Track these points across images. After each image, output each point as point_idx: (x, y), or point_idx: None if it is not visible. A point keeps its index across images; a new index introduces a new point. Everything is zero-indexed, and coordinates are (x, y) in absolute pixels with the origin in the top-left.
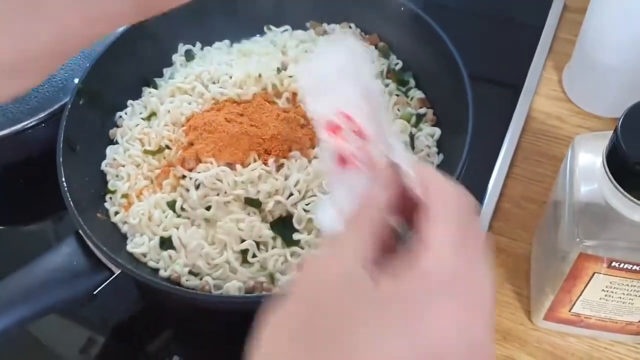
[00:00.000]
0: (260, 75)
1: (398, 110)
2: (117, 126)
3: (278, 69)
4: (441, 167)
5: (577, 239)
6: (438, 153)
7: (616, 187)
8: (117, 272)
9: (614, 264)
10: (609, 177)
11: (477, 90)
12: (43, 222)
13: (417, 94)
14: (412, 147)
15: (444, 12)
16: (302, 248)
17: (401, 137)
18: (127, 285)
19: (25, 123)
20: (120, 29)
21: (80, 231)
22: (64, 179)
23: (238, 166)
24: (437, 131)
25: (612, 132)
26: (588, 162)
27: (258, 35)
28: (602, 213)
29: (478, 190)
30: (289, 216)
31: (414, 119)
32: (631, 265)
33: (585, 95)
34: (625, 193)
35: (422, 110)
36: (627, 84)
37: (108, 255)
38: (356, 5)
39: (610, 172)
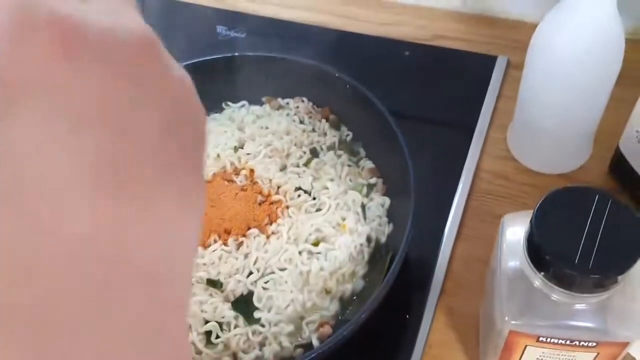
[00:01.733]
0: (218, 155)
1: (350, 181)
2: None
3: (235, 147)
4: (392, 236)
5: (506, 318)
6: (389, 222)
7: (534, 271)
8: None
9: (541, 338)
10: (528, 261)
11: (425, 151)
12: None
13: (368, 164)
14: (365, 217)
15: (393, 75)
16: (262, 326)
17: (354, 208)
18: None
19: None
20: None
21: None
22: None
23: (199, 248)
24: (387, 200)
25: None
26: (514, 239)
27: (217, 112)
28: (526, 290)
29: (430, 253)
30: (250, 294)
31: (365, 190)
32: (556, 339)
33: (528, 154)
34: (543, 278)
35: (373, 180)
36: (566, 145)
37: None
38: (308, 81)
39: (529, 255)
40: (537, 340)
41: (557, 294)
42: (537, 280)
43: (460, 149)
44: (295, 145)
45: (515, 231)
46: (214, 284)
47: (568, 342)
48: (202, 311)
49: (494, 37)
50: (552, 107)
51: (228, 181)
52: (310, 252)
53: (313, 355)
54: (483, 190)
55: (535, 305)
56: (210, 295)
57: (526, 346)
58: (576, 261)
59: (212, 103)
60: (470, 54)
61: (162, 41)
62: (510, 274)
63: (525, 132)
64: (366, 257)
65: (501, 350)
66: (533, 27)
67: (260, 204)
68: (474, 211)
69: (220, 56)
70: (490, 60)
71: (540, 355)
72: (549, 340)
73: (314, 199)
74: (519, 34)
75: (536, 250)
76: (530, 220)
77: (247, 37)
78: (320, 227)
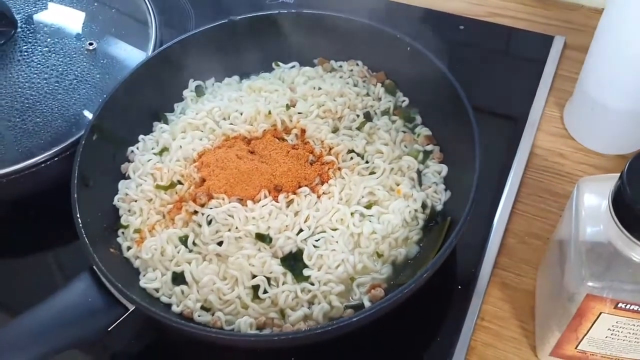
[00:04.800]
0: (269, 112)
1: (405, 146)
2: (129, 161)
3: (287, 105)
4: (449, 203)
5: (584, 280)
6: (445, 190)
7: (623, 232)
8: (132, 308)
9: (620, 304)
10: (616, 222)
11: (481, 126)
12: (55, 255)
13: (424, 130)
14: (420, 184)
15: (449, 48)
16: (312, 284)
17: (408, 174)
18: (141, 320)
19: (39, 157)
20: (134, 65)
21: (95, 267)
22: (78, 216)
23: (249, 202)
24: (444, 168)
25: (616, 175)
26: (593, 203)
27: (266, 71)
28: (608, 254)
29: (483, 226)
30: (300, 252)
31: (421, 156)
32: (637, 307)
33: (586, 133)
34: (632, 237)
35: (429, 147)
36: (626, 125)
37: (123, 292)
38: (363, 43)
39: (617, 216)
40: (615, 307)
41: None
42: (623, 241)
43: (517, 125)
44: (349, 108)
45: (593, 196)
46: (262, 238)
47: None
48: (250, 265)
49: (548, 17)
50: (619, 88)
51: (279, 139)
52: (362, 215)
53: (364, 315)
54: (539, 167)
55: (616, 268)
56: (259, 249)
57: (600, 314)
58: None
59: (261, 62)
60: (526, 32)
61: (208, 6)
62: (589, 239)
63: (586, 112)
64: (421, 223)
65: (571, 319)
66: (589, 9)
67: (311, 164)
68: (529, 188)
69: (271, 12)
70: (547, 40)
71: (613, 326)
72: (628, 307)
73: (367, 162)
74: (574, 15)
75: (627, 208)
76: (620, 177)
77: (296, 3)
78: (374, 190)
